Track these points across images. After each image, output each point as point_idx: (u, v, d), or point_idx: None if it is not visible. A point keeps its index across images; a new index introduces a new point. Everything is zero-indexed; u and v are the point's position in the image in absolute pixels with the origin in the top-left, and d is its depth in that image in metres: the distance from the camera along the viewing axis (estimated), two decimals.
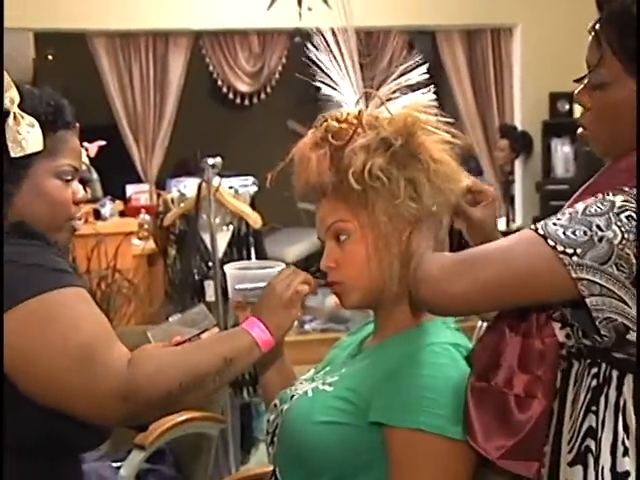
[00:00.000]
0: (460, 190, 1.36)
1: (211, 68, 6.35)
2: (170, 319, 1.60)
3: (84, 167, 4.50)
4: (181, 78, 6.22)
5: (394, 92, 1.37)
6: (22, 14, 5.72)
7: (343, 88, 1.40)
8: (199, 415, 2.54)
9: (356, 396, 1.27)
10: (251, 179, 3.86)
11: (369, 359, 1.34)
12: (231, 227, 3.61)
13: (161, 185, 6.09)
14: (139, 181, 6.19)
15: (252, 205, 3.78)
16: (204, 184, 3.40)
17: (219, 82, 6.38)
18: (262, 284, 1.43)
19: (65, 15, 5.82)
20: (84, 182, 1.58)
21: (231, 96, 6.43)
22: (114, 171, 5.55)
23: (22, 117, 1.35)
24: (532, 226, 1.16)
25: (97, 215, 4.76)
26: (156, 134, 6.24)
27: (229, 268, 1.48)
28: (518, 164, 6.61)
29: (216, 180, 3.46)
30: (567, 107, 6.26)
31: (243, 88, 6.41)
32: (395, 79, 1.37)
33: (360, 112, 1.35)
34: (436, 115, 1.37)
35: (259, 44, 6.36)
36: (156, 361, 1.27)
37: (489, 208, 1.44)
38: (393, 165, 1.30)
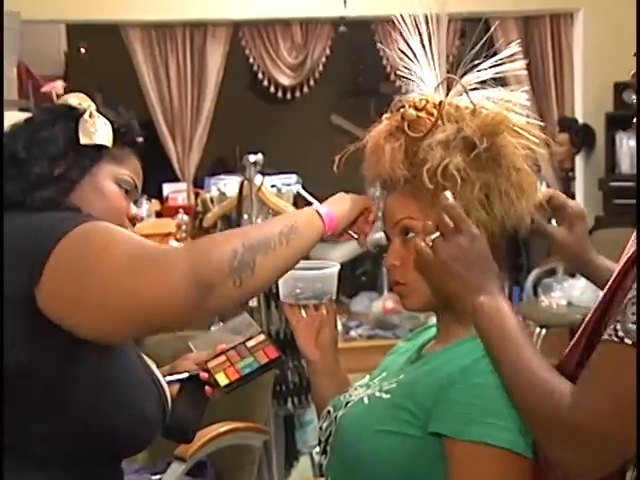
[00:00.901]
0: (532, 207, 1.34)
1: (251, 60, 6.39)
2: (212, 328, 1.62)
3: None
4: (220, 71, 6.27)
5: (481, 82, 1.35)
6: (53, 5, 5.80)
7: (423, 72, 1.38)
8: (242, 425, 2.56)
9: (415, 404, 1.26)
10: (294, 177, 3.86)
11: (429, 365, 1.33)
12: None
13: (199, 183, 6.14)
14: (176, 179, 6.25)
15: (295, 205, 3.79)
16: (246, 182, 3.42)
17: (259, 75, 6.41)
18: (317, 284, 1.44)
19: (98, 6, 5.89)
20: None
21: (272, 89, 6.46)
22: (150, 169, 5.53)
23: (98, 117, 1.46)
24: (613, 338, 1.08)
25: None
26: (193, 130, 6.29)
27: None
28: (579, 160, 6.54)
29: (258, 178, 3.48)
30: (633, 98, 6.17)
31: (285, 81, 6.44)
32: (485, 69, 1.35)
33: (441, 102, 1.33)
34: (527, 117, 1.35)
35: (302, 34, 6.38)
36: (212, 236, 1.34)
37: (576, 227, 1.40)
38: (472, 166, 1.29)
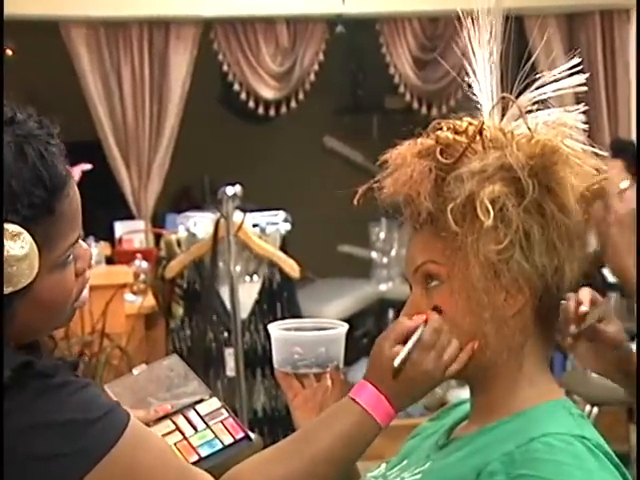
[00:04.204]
0: (582, 259, 1.37)
1: (225, 67, 6.44)
2: (135, 371, 1.60)
3: None
4: (185, 81, 6.31)
5: (534, 103, 1.39)
6: None
7: (479, 89, 1.42)
8: None
9: None
10: (281, 214, 3.90)
11: (462, 451, 1.34)
12: (256, 277, 3.66)
13: (159, 222, 6.17)
14: (130, 217, 6.27)
15: (282, 249, 3.82)
16: (222, 221, 3.45)
17: (235, 86, 6.46)
18: (320, 349, 1.46)
19: None
20: None
21: (251, 104, 6.51)
22: (98, 203, 5.59)
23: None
24: None
25: None
26: (152, 154, 6.32)
27: (274, 328, 1.52)
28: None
29: (237, 216, 3.51)
30: None
31: (267, 94, 6.49)
32: (542, 85, 1.40)
33: (482, 125, 1.36)
34: (583, 143, 1.39)
35: (289, 36, 6.44)
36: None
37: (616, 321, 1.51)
38: (511, 202, 1.30)
